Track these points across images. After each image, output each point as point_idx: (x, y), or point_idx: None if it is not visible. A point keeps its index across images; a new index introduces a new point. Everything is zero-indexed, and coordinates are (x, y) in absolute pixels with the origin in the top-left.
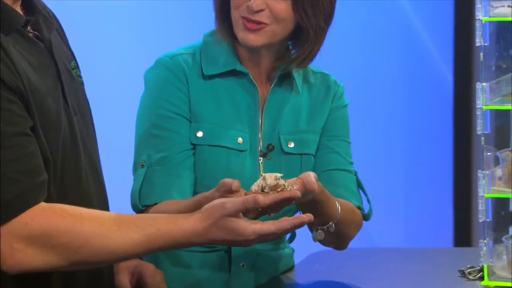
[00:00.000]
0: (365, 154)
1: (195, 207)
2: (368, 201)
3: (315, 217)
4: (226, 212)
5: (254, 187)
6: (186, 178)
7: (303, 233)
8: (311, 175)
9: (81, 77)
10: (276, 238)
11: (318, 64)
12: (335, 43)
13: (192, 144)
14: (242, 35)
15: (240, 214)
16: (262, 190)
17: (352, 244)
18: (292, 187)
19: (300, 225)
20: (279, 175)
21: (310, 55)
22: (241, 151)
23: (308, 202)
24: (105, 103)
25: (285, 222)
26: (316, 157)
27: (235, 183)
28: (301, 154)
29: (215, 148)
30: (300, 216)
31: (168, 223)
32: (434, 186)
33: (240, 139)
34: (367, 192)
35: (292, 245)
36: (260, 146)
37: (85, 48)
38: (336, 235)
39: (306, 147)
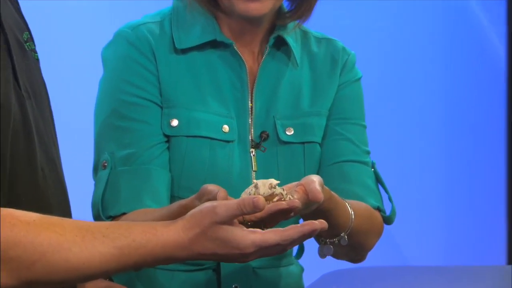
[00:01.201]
0: (396, 152)
1: (172, 218)
2: (390, 199)
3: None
4: (218, 218)
5: (244, 196)
6: (160, 180)
7: (315, 246)
8: (315, 182)
9: (36, 52)
10: (280, 252)
11: (352, 43)
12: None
13: (165, 135)
14: (243, 6)
15: (235, 221)
16: None
17: (379, 261)
18: (291, 196)
19: (311, 233)
20: (274, 182)
21: (310, 5)
22: (228, 141)
23: (312, 213)
24: (66, 85)
25: (292, 230)
26: (322, 146)
27: (221, 192)
28: (303, 143)
29: (194, 139)
30: (310, 223)
31: (144, 233)
32: (483, 191)
33: (225, 127)
34: (387, 187)
35: (302, 261)
36: (251, 134)
37: (41, 16)
38: (351, 247)
39: (310, 134)
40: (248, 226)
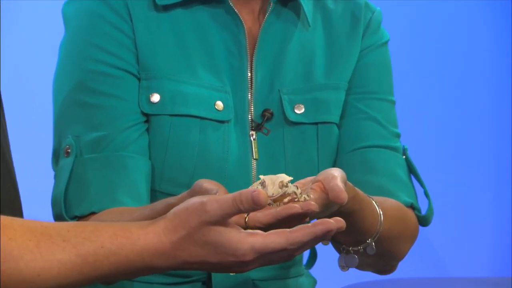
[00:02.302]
0: (439, 153)
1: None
2: (426, 194)
3: (344, 235)
4: (208, 217)
5: None
6: (137, 170)
7: (329, 252)
8: (337, 177)
9: None
10: (287, 260)
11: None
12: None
13: (144, 114)
14: None
15: (231, 220)
16: None
17: (411, 272)
18: (306, 196)
19: (325, 235)
20: (286, 179)
21: None
22: (222, 122)
23: (332, 216)
24: (19, 78)
25: (301, 231)
26: (341, 128)
27: (221, 193)
28: (316, 124)
29: (180, 119)
30: (324, 221)
31: (116, 237)
32: None
33: (219, 104)
34: (423, 180)
35: (314, 271)
36: (251, 113)
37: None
38: (379, 256)
39: (325, 112)
40: None
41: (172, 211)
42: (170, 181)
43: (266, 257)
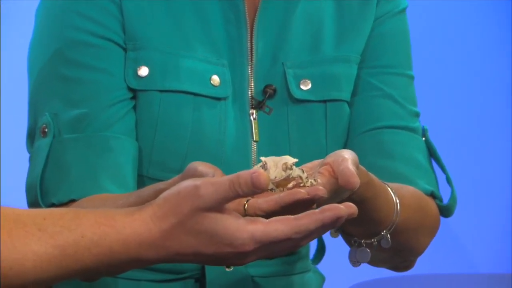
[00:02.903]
0: (462, 146)
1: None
2: (449, 181)
3: (355, 226)
4: (202, 202)
5: None
6: (123, 153)
7: (339, 246)
8: (347, 160)
9: None
10: (291, 249)
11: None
12: None
13: (130, 90)
14: None
15: (227, 206)
16: None
17: (430, 268)
18: (313, 180)
19: (334, 222)
20: (291, 161)
21: None
22: (218, 99)
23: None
24: (19, 78)
25: (307, 218)
26: (352, 106)
27: (217, 175)
28: (324, 102)
29: (171, 95)
30: (333, 207)
31: (98, 225)
32: None
33: (215, 78)
34: (445, 165)
35: (322, 267)
36: (251, 89)
37: None
38: (395, 250)
39: (334, 88)
40: None
41: (161, 196)
42: (159, 166)
43: (268, 248)
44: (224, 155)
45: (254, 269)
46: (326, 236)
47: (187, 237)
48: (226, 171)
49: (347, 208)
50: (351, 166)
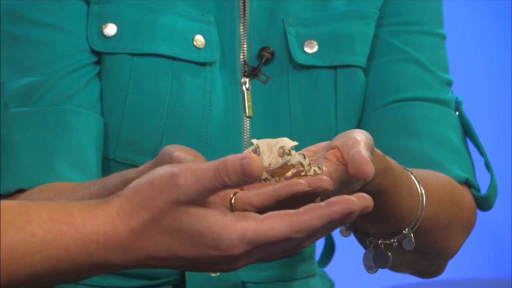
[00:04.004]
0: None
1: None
2: (488, 166)
3: (371, 223)
4: (181, 194)
5: None
6: (84, 131)
7: (351, 246)
8: (359, 143)
9: None
10: (291, 253)
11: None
12: None
13: (94, 53)
14: None
15: (212, 199)
16: None
17: (465, 272)
18: (318, 168)
19: (345, 218)
20: (289, 144)
21: None
22: (203, 64)
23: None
24: None
25: (310, 213)
26: (369, 74)
27: (198, 162)
28: (334, 68)
29: (144, 59)
30: (343, 199)
31: (52, 222)
32: None
33: (199, 39)
34: (484, 147)
35: (330, 271)
36: (244, 53)
37: None
38: (420, 253)
39: (347, 51)
40: None
41: (131, 186)
42: (130, 147)
43: (262, 250)
44: (210, 135)
45: (246, 273)
46: (336, 234)
47: (163, 237)
48: (212, 155)
49: (360, 201)
50: (363, 151)
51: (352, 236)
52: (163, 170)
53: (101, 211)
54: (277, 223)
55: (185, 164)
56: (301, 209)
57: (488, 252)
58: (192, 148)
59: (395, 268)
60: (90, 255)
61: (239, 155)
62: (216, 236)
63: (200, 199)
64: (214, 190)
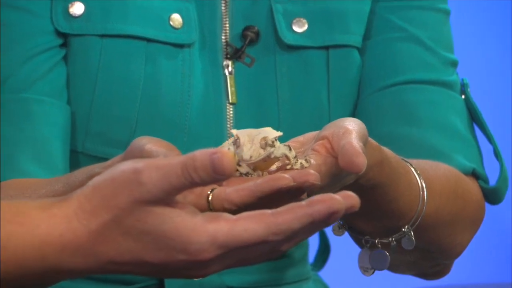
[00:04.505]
0: None
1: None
2: (497, 153)
3: (366, 220)
4: (145, 192)
5: None
6: (49, 122)
7: (347, 246)
8: (351, 133)
9: None
10: (269, 257)
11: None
12: None
13: (59, 34)
14: None
15: (179, 198)
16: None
17: (473, 276)
18: (305, 161)
19: (328, 219)
20: (273, 134)
21: None
22: (180, 46)
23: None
24: None
25: (290, 213)
26: (365, 54)
27: (172, 156)
28: (326, 48)
29: (115, 41)
30: (326, 198)
31: (2, 222)
32: None
33: (175, 18)
34: (492, 134)
35: (325, 275)
36: (226, 33)
37: None
38: (422, 252)
39: (340, 29)
40: None
41: (90, 183)
42: (100, 138)
43: (236, 254)
44: (189, 124)
45: (230, 277)
46: (331, 233)
47: (125, 240)
48: (192, 146)
49: (345, 200)
50: (355, 141)
51: (349, 235)
52: (125, 166)
53: (57, 211)
54: (252, 225)
55: (150, 160)
56: (279, 209)
57: (487, 254)
58: (169, 139)
59: (394, 268)
60: (45, 260)
61: (209, 150)
62: (184, 239)
63: (166, 198)
64: (182, 188)
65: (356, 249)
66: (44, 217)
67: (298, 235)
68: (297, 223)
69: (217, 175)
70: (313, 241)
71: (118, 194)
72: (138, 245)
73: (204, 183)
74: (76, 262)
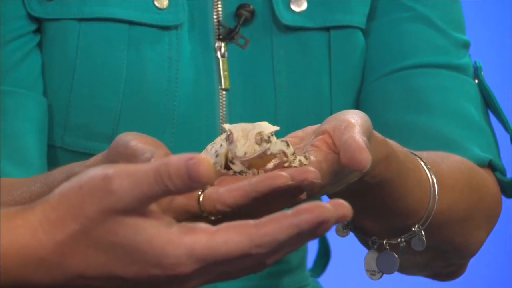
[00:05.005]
0: None
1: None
2: None
3: (373, 219)
4: (115, 201)
5: (206, 157)
6: (23, 115)
7: (349, 251)
8: (354, 126)
9: None
10: (254, 270)
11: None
12: None
13: (33, 20)
14: None
15: (153, 207)
16: (226, 167)
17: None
18: (304, 158)
19: (316, 230)
20: (269, 129)
21: None
22: (167, 28)
23: (348, 189)
24: None
25: (273, 224)
26: (370, 36)
27: (158, 153)
28: (327, 29)
29: (95, 25)
30: (314, 206)
31: None
32: None
33: None
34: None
35: (326, 282)
36: (217, 12)
37: None
38: (434, 252)
39: (341, 9)
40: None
41: (57, 190)
42: (81, 131)
43: (216, 269)
44: (177, 113)
45: (224, 283)
46: (332, 236)
47: (94, 253)
48: (181, 138)
49: (336, 208)
50: (358, 136)
51: (351, 238)
52: (94, 172)
53: (20, 221)
54: (233, 236)
55: (121, 166)
56: (262, 219)
57: (486, 256)
58: (156, 131)
59: (404, 270)
60: (7, 274)
61: (184, 155)
62: (158, 252)
63: (139, 207)
64: (155, 196)
65: (360, 253)
66: (7, 228)
67: (284, 247)
68: (282, 234)
69: (193, 182)
70: (312, 245)
71: (87, 203)
72: (108, 258)
73: (179, 191)
74: (41, 276)
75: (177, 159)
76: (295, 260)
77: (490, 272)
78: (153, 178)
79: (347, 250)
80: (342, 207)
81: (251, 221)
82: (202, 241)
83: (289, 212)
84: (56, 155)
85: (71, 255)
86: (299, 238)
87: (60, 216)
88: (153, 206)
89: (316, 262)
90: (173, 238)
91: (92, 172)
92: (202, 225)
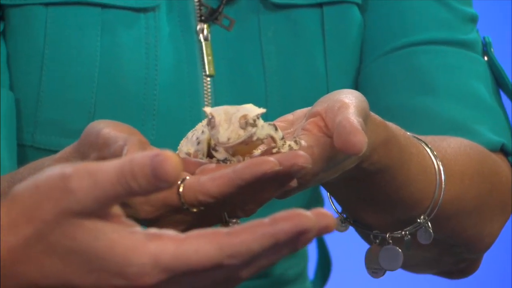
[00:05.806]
0: None
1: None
2: None
3: (373, 211)
4: (73, 203)
5: (187, 145)
6: None
7: (353, 257)
8: (348, 106)
9: None
10: (226, 286)
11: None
12: None
13: None
14: None
15: (116, 209)
16: (209, 155)
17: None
18: (294, 143)
19: (295, 240)
20: (254, 112)
21: None
22: (143, 10)
23: (347, 177)
24: None
25: (247, 233)
26: (367, 11)
27: (132, 145)
28: (320, 5)
29: (64, 9)
30: (292, 215)
31: None
32: None
33: None
34: None
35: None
36: None
37: None
38: (442, 245)
39: None
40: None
41: (12, 192)
42: (52, 128)
43: (184, 280)
44: (157, 103)
45: None
46: (332, 238)
47: (50, 259)
48: (163, 130)
49: (317, 218)
50: (353, 117)
51: (354, 243)
52: (52, 171)
53: None
54: (204, 245)
55: (81, 164)
56: (236, 227)
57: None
58: (135, 123)
59: (411, 268)
60: None
61: (149, 152)
62: (120, 260)
63: (100, 209)
64: (118, 198)
65: (361, 258)
66: None
67: (260, 259)
68: (256, 244)
69: (159, 181)
70: (312, 254)
71: (42, 204)
72: (65, 265)
73: (144, 191)
74: None
75: (142, 156)
76: (293, 272)
77: (490, 272)
78: (116, 178)
79: (350, 256)
80: (324, 217)
81: (223, 229)
82: (169, 248)
83: (265, 220)
84: (26, 155)
85: (24, 262)
86: (276, 249)
87: (13, 219)
88: (116, 209)
89: (316, 273)
90: (137, 245)
91: (50, 170)
92: (170, 232)
